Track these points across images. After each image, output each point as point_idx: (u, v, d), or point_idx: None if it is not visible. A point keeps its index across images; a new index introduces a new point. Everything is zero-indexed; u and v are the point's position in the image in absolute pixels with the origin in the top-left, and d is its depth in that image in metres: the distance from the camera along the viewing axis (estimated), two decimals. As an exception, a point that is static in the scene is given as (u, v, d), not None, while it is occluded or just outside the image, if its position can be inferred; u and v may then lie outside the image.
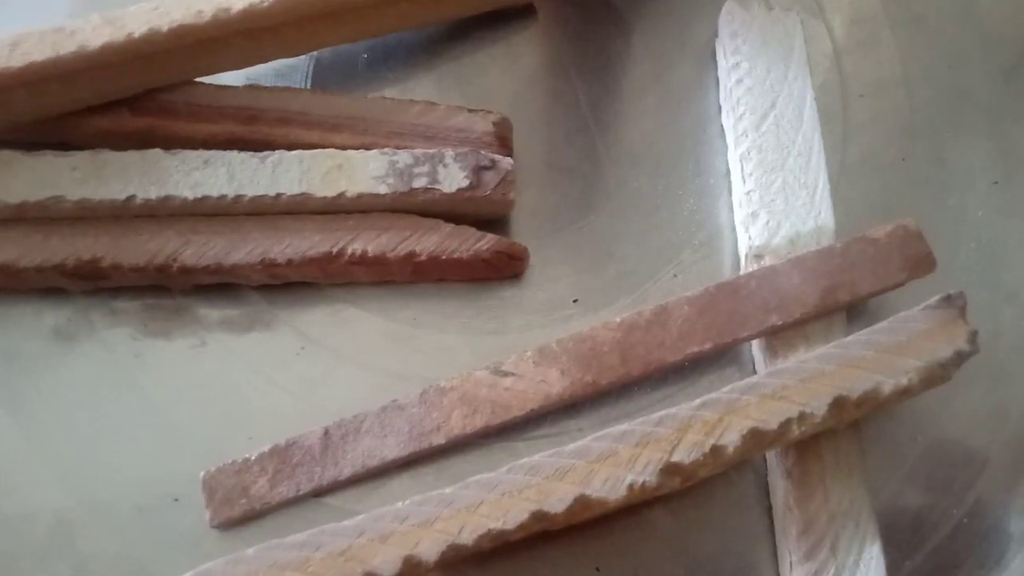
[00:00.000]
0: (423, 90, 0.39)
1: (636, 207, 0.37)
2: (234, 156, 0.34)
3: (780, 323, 0.32)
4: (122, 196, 0.33)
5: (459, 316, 0.35)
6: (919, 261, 0.33)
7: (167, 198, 0.33)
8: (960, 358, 0.30)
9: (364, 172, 0.33)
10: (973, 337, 0.30)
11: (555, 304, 0.35)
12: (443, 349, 0.34)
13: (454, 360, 0.34)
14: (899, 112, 0.40)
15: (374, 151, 0.34)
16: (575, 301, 0.35)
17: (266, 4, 0.34)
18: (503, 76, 0.40)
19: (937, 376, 0.30)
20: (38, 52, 0.32)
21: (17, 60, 0.32)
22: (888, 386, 0.29)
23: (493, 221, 0.36)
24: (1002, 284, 0.37)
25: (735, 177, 0.36)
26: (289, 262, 0.33)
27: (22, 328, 0.34)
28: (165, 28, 0.33)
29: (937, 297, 0.31)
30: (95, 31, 0.33)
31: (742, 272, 0.34)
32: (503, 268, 0.35)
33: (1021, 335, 0.36)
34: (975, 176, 0.38)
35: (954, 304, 0.31)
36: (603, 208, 0.37)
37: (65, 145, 0.34)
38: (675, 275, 0.36)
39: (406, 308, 0.35)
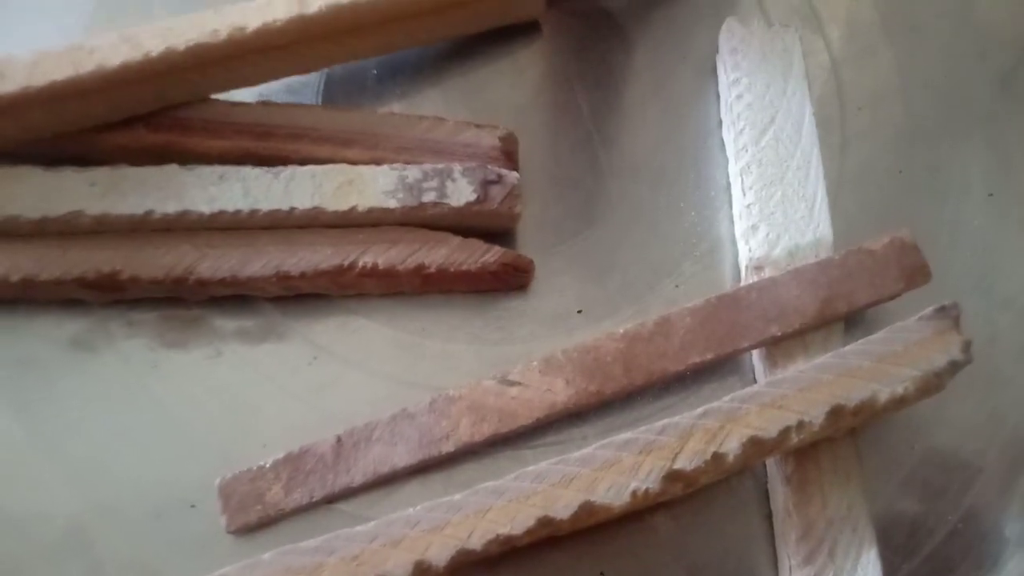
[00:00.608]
0: (430, 105, 0.40)
1: (638, 219, 0.38)
2: (248, 171, 0.34)
3: (780, 333, 0.33)
4: (140, 211, 0.33)
5: (467, 326, 0.35)
6: (915, 272, 0.34)
7: (184, 212, 0.34)
8: (954, 367, 0.31)
9: (375, 187, 0.34)
10: (967, 347, 0.31)
11: (560, 314, 0.36)
12: (451, 358, 0.35)
13: (462, 369, 0.34)
14: (896, 123, 0.40)
15: (384, 166, 0.35)
16: (579, 312, 0.36)
17: (279, 23, 0.35)
18: (508, 90, 0.40)
19: (932, 385, 0.31)
20: (58, 71, 0.33)
21: (38, 79, 0.33)
22: (884, 395, 0.30)
23: (500, 233, 0.37)
24: (998, 292, 0.37)
25: (735, 190, 0.37)
26: (302, 274, 0.34)
27: (42, 338, 0.35)
28: (181, 47, 0.34)
29: (932, 308, 0.32)
30: (113, 49, 0.34)
31: (742, 283, 0.35)
32: (509, 280, 0.36)
33: (1016, 342, 0.37)
34: (971, 186, 0.39)
35: (948, 314, 0.32)
36: (606, 220, 0.38)
37: (83, 160, 0.35)
38: (677, 286, 0.36)
39: (415, 319, 0.35)
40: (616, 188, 0.39)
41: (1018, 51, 0.42)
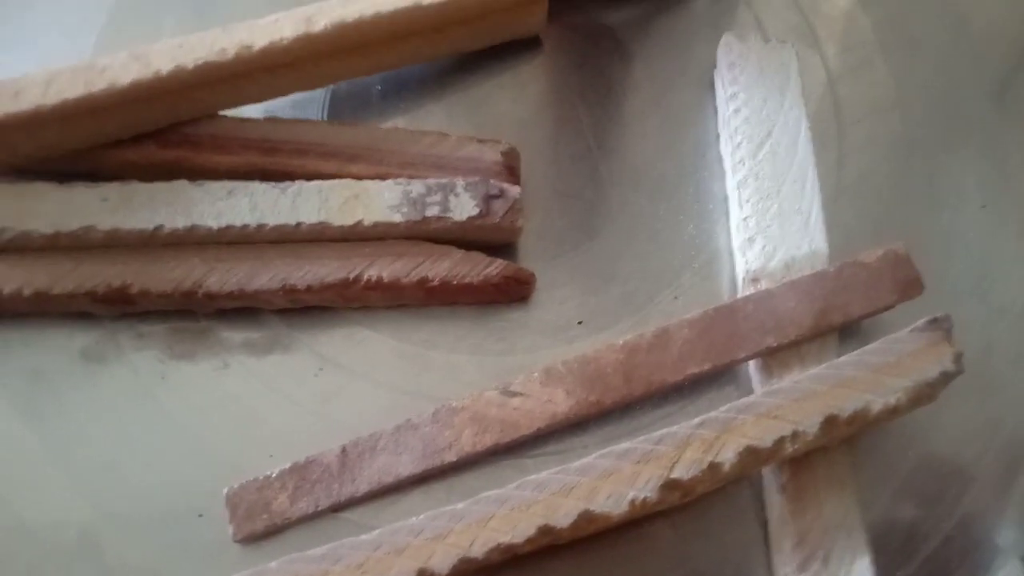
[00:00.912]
0: (434, 120, 0.41)
1: (638, 231, 0.39)
2: (256, 187, 0.35)
3: (776, 344, 0.34)
4: (151, 226, 0.34)
5: (469, 338, 0.36)
6: (908, 284, 0.34)
7: (193, 227, 0.34)
8: (946, 378, 0.32)
9: (380, 202, 0.35)
10: (958, 358, 0.32)
11: (561, 325, 0.37)
12: (454, 369, 0.35)
13: (464, 380, 0.35)
14: (892, 135, 0.41)
15: (389, 181, 0.36)
16: (580, 323, 0.37)
17: (286, 42, 0.35)
18: (510, 104, 0.41)
19: (924, 395, 0.32)
20: (71, 89, 0.34)
21: (51, 97, 0.34)
22: (877, 405, 0.31)
23: (502, 246, 0.37)
24: (994, 300, 0.38)
25: (733, 203, 0.38)
26: (308, 288, 0.34)
27: (52, 350, 0.36)
28: (190, 65, 0.35)
29: (924, 319, 0.33)
30: (124, 68, 0.34)
31: (740, 295, 0.36)
32: (511, 292, 0.36)
33: (1011, 350, 0.37)
34: (967, 197, 0.40)
35: (940, 326, 0.32)
36: (607, 232, 0.39)
37: (95, 175, 0.36)
38: (676, 297, 0.37)
39: (419, 330, 0.36)
40: (616, 200, 0.39)
41: (1013, 62, 0.43)
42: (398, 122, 0.40)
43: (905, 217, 0.39)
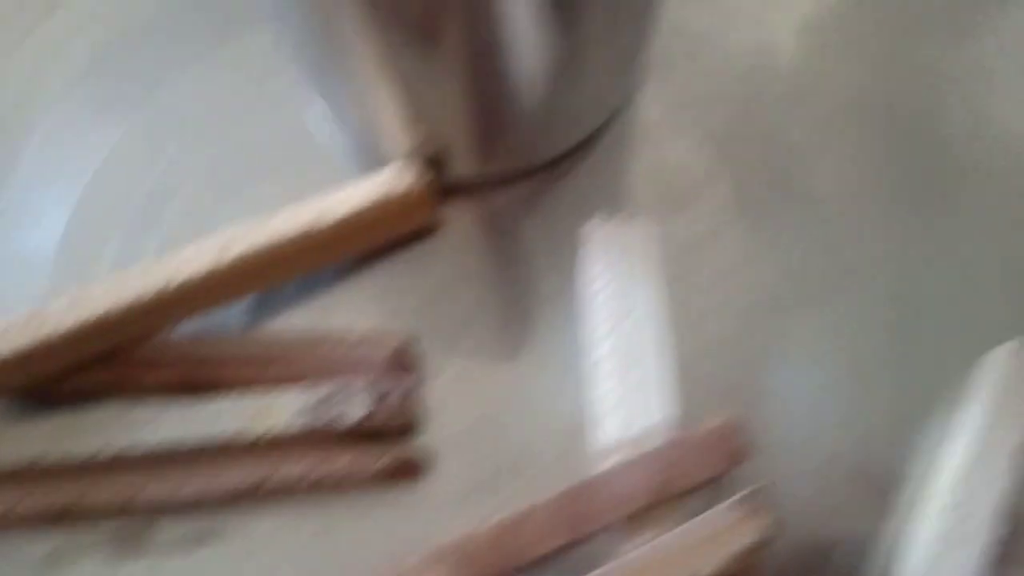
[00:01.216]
0: (343, 310, 0.46)
1: (522, 406, 0.44)
2: (183, 401, 0.41)
3: (626, 515, 0.39)
4: (94, 448, 0.40)
5: (369, 518, 0.42)
6: (739, 451, 0.39)
7: (132, 445, 0.40)
8: (766, 542, 0.37)
9: (285, 410, 0.41)
10: (776, 524, 0.37)
11: (454, 496, 0.42)
12: (360, 546, 0.41)
13: (368, 558, 0.40)
14: (746, 296, 0.46)
15: (293, 390, 0.42)
16: (469, 496, 0.42)
17: (199, 278, 0.42)
18: (412, 290, 0.46)
19: (749, 559, 0.37)
20: (21, 338, 0.40)
21: (6, 347, 0.40)
22: (705, 572, 0.36)
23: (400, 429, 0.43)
24: (833, 460, 0.43)
25: (597, 376, 0.42)
26: (226, 491, 0.41)
27: (14, 563, 0.42)
28: (120, 307, 0.41)
29: (746, 490, 0.38)
30: (64, 314, 0.41)
31: (600, 466, 0.41)
32: (405, 474, 0.42)
33: (839, 501, 0.42)
34: (815, 354, 0.45)
35: (760, 496, 0.38)
36: (493, 406, 0.44)
37: (43, 399, 0.42)
38: (546, 470, 0.42)
39: (329, 511, 0.42)
40: (505, 374, 0.45)
41: (853, 238, 0.48)
42: (312, 314, 0.46)
43: (755, 378, 0.44)
